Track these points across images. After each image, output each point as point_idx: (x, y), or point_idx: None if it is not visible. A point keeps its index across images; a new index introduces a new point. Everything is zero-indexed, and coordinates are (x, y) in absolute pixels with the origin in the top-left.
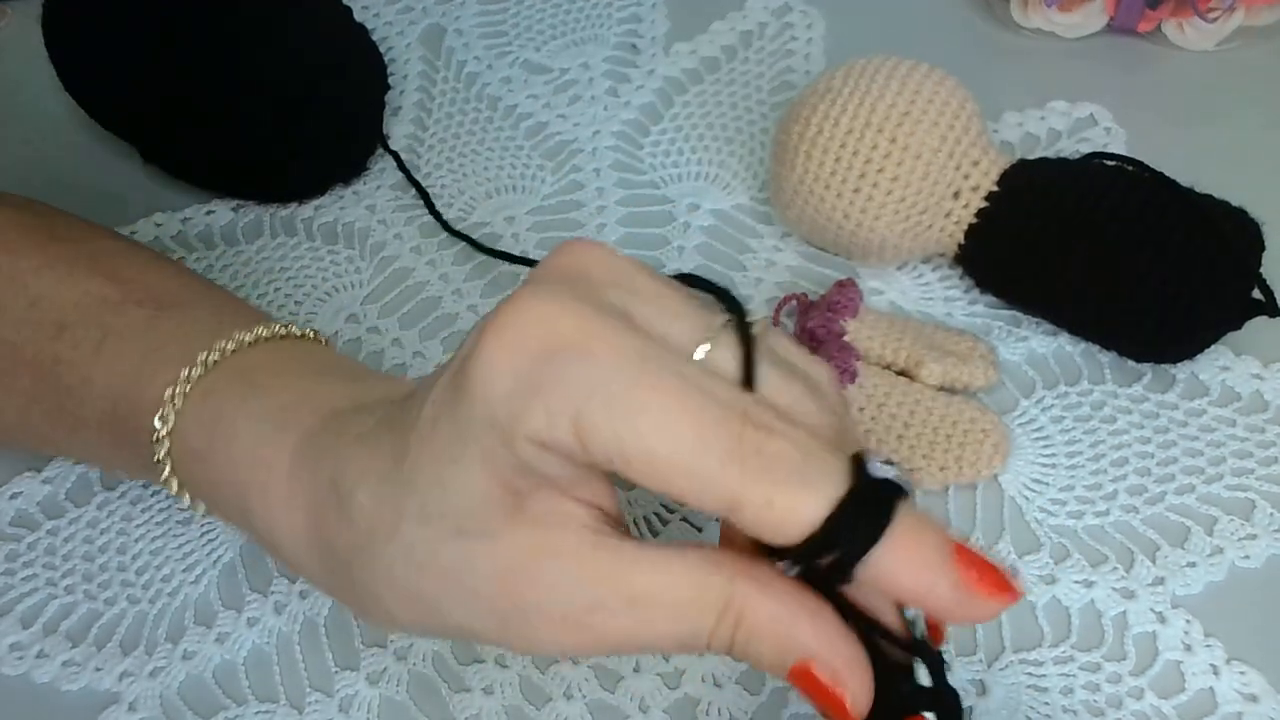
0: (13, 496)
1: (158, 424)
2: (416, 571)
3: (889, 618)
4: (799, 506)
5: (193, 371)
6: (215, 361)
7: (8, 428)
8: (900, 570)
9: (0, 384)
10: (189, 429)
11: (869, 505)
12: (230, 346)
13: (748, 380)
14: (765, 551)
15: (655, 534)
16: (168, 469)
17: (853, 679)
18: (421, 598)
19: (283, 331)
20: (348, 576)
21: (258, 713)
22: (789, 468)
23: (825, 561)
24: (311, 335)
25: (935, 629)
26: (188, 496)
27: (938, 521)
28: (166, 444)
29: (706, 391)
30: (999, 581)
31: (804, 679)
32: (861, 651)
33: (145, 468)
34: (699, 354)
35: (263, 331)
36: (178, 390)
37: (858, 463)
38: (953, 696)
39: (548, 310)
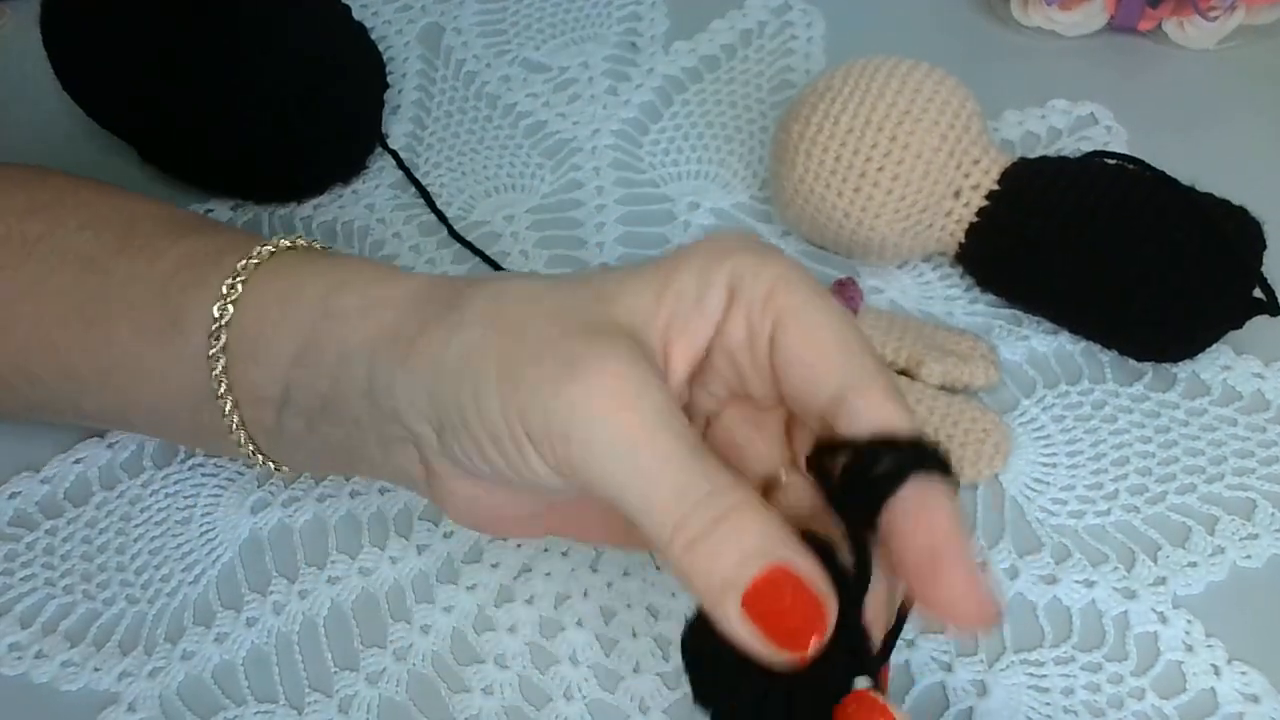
0: (11, 496)
1: (224, 289)
2: (512, 304)
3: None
4: (904, 410)
5: (260, 248)
6: (271, 252)
7: (28, 338)
8: (930, 503)
9: (37, 290)
10: (262, 278)
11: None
12: (287, 242)
13: None
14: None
15: None
16: (226, 317)
17: (827, 604)
18: (497, 330)
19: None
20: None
21: (257, 713)
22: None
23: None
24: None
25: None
26: (223, 364)
27: None
28: (238, 280)
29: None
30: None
31: (767, 592)
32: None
33: (191, 358)
34: None
35: (316, 243)
36: (251, 260)
37: None
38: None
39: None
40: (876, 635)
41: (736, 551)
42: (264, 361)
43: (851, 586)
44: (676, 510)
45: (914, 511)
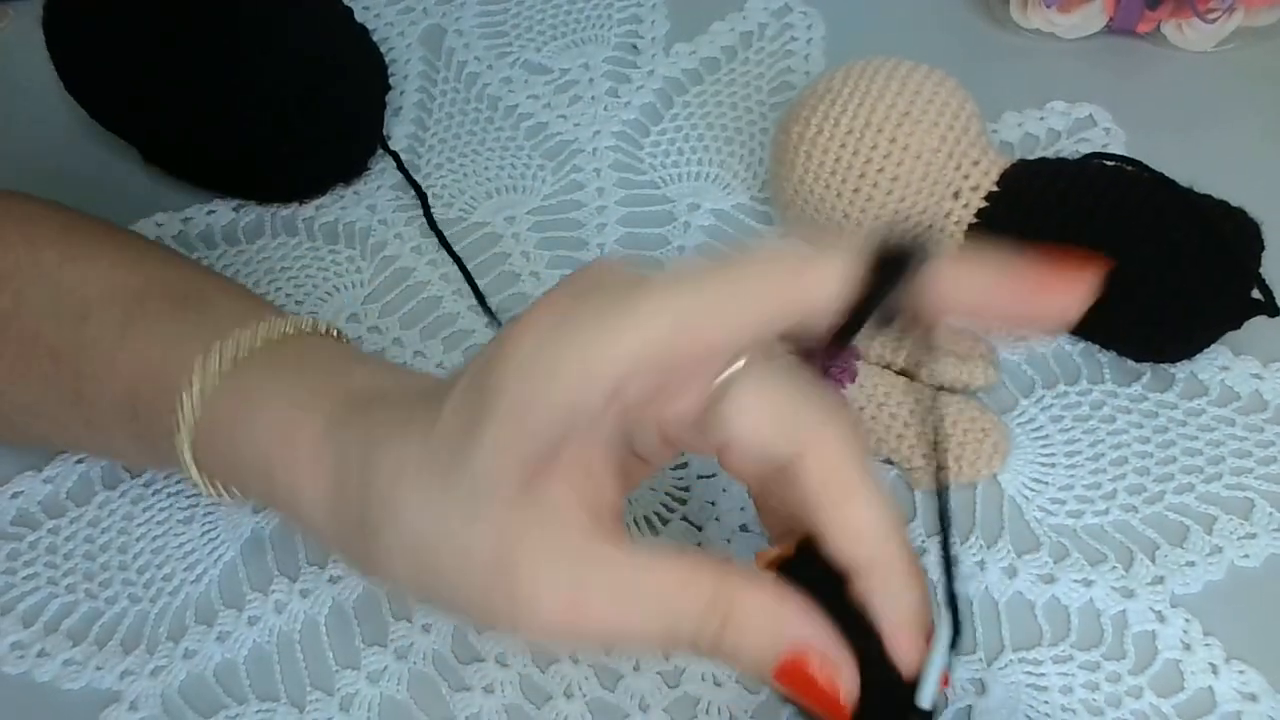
0: (14, 495)
1: (184, 405)
2: (422, 550)
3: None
4: (836, 261)
5: (222, 352)
6: (239, 355)
7: (22, 411)
8: (962, 269)
9: (18, 369)
10: (214, 409)
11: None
12: (260, 333)
13: None
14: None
15: (656, 533)
16: (187, 449)
17: (844, 668)
18: (424, 574)
19: (310, 327)
20: (362, 541)
21: (259, 711)
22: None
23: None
24: (336, 334)
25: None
26: (202, 477)
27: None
28: (191, 420)
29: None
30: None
31: (793, 671)
32: (846, 648)
33: (160, 452)
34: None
35: (289, 327)
36: (207, 369)
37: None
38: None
39: (556, 299)
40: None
41: (751, 649)
42: (229, 475)
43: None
44: (682, 637)
45: (961, 272)
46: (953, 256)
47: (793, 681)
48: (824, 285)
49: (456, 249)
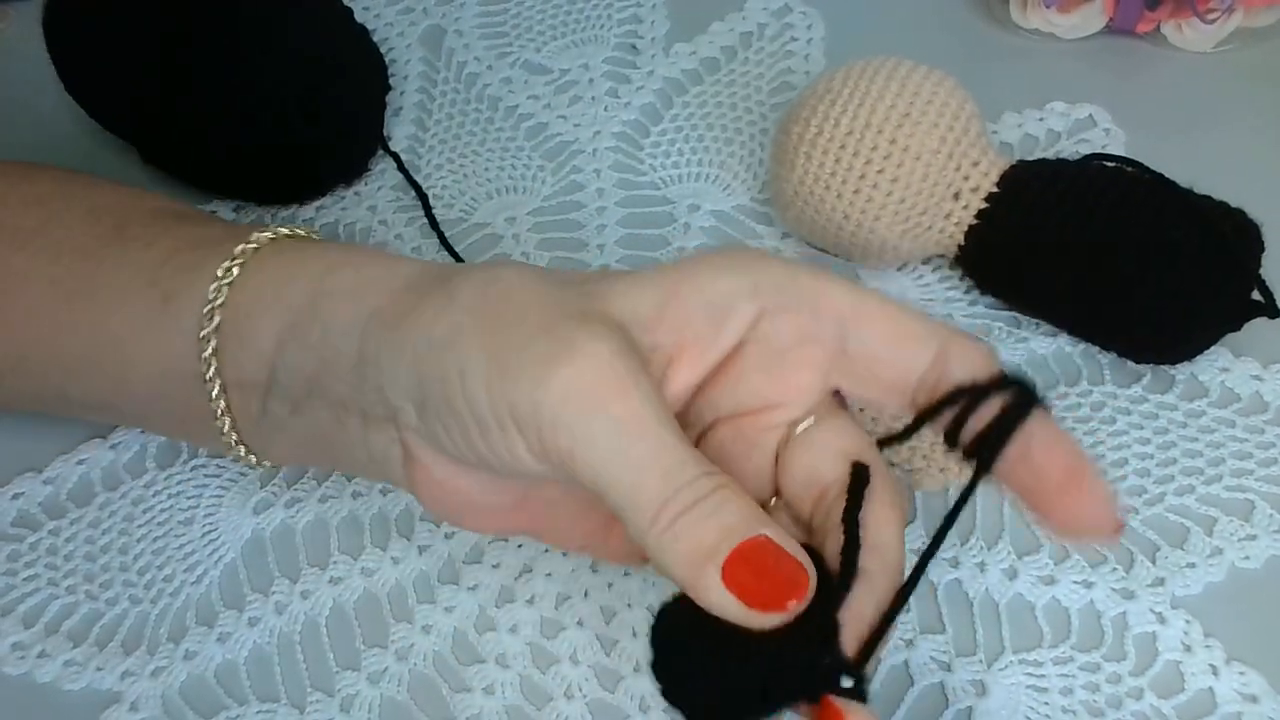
0: (14, 497)
1: (219, 272)
2: (485, 298)
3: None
4: (994, 356)
5: (252, 234)
6: (271, 238)
7: (14, 329)
8: (1059, 434)
9: (21, 276)
10: (269, 252)
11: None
12: (280, 231)
13: None
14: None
15: None
16: (221, 298)
17: (811, 572)
18: (496, 302)
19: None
20: (434, 293)
21: (259, 712)
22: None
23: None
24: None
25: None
26: (213, 346)
27: None
28: (230, 267)
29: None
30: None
31: (756, 549)
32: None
33: (170, 321)
34: None
35: (301, 230)
36: (249, 245)
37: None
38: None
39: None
40: (855, 639)
41: (717, 526)
42: (254, 342)
43: (835, 588)
44: (661, 494)
45: (1051, 437)
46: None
47: (741, 572)
48: (974, 368)
49: (457, 250)
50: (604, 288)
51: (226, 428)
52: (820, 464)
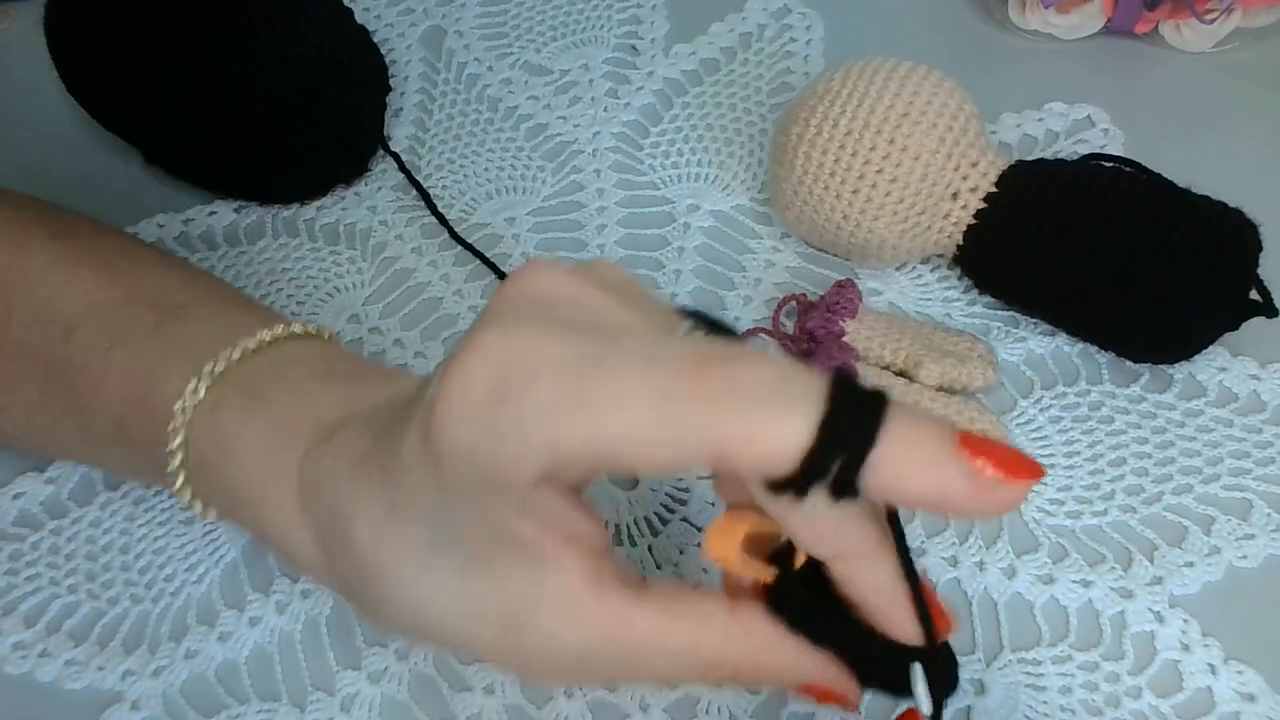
0: (16, 496)
1: (170, 437)
2: (420, 602)
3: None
4: (784, 427)
5: (199, 385)
6: (221, 372)
7: (16, 428)
8: (906, 472)
9: (11, 383)
10: (199, 442)
11: (857, 412)
12: (235, 355)
13: None
14: (770, 489)
15: (655, 534)
16: (181, 480)
17: (850, 681)
18: (425, 624)
19: (285, 332)
20: (357, 598)
21: (260, 712)
22: (764, 390)
23: (828, 478)
24: (315, 332)
25: (940, 616)
26: (199, 505)
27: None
28: (180, 455)
29: (657, 355)
30: (1014, 464)
31: (807, 691)
32: (845, 670)
33: (156, 476)
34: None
35: (266, 336)
36: (186, 404)
37: (838, 375)
38: (949, 671)
39: (496, 340)
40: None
41: (765, 686)
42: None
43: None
44: (714, 672)
45: (899, 469)
46: (906, 425)
47: (807, 693)
48: (781, 443)
49: (457, 249)
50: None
51: None
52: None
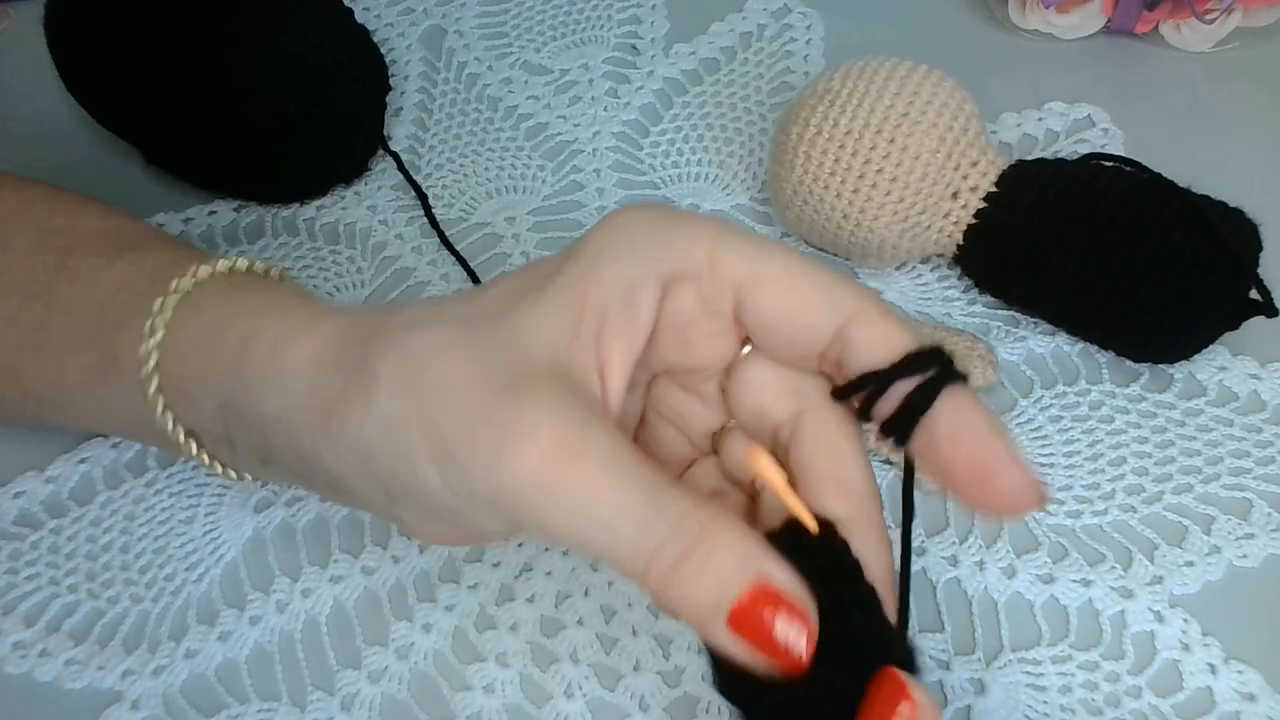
0: (16, 495)
1: (163, 299)
2: (433, 362)
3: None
4: (896, 330)
5: (209, 264)
6: (223, 266)
7: None
8: (963, 428)
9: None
10: (198, 303)
11: (949, 362)
12: (241, 264)
13: None
14: (842, 392)
15: None
16: (153, 346)
17: (808, 621)
18: (421, 395)
19: (251, 265)
20: (346, 391)
21: (260, 711)
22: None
23: (911, 384)
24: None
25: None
26: (156, 383)
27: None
28: (166, 316)
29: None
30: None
31: (758, 602)
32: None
33: (117, 365)
34: None
35: (240, 264)
36: (191, 273)
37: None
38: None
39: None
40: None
41: (712, 578)
42: (199, 410)
43: (864, 568)
44: (644, 550)
45: (957, 424)
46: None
47: (748, 624)
48: (880, 346)
49: (458, 249)
50: (524, 321)
51: (206, 461)
52: (767, 403)
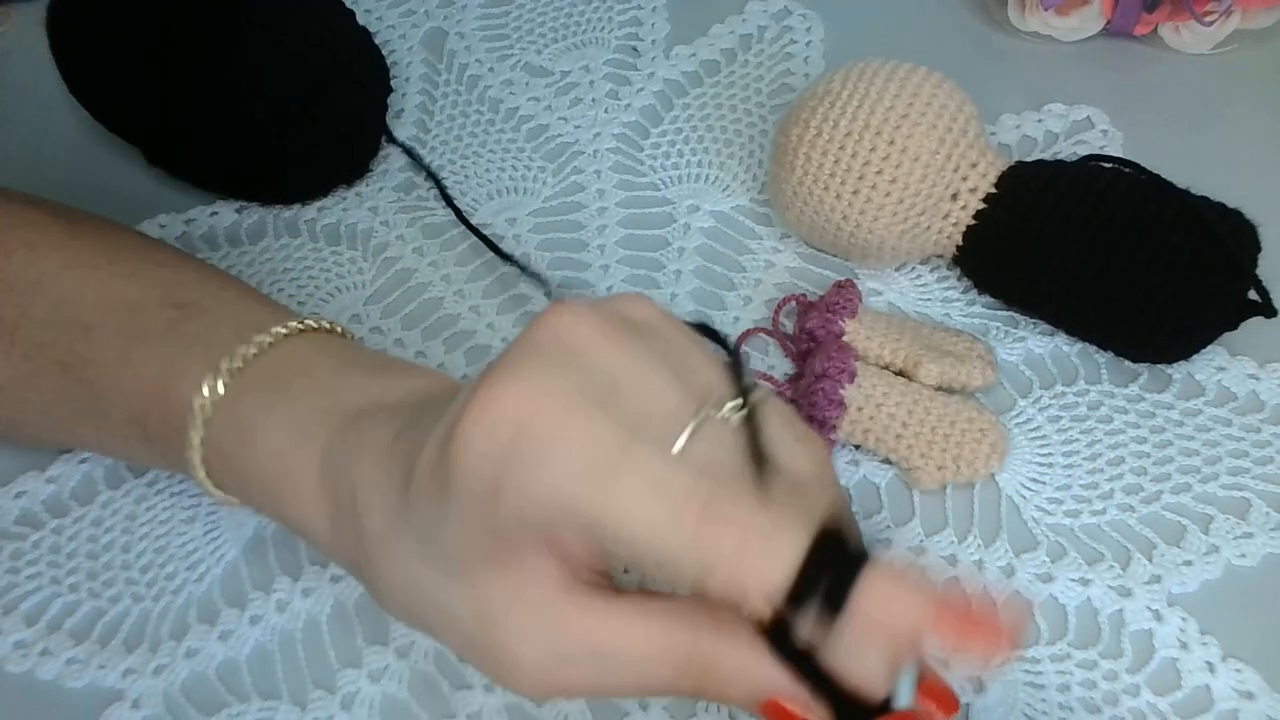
0: (17, 495)
1: (190, 433)
2: (411, 595)
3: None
4: (761, 587)
5: (218, 381)
6: (239, 368)
7: (35, 424)
8: (873, 633)
9: (29, 383)
10: (219, 435)
11: (833, 577)
12: (252, 350)
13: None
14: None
15: None
16: (201, 473)
17: (817, 709)
18: (416, 617)
19: (301, 326)
20: (361, 571)
21: (261, 710)
22: (752, 546)
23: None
24: (329, 326)
25: (944, 698)
26: (220, 493)
27: (918, 580)
28: (200, 452)
29: (669, 475)
30: (987, 633)
31: (773, 712)
32: (815, 694)
33: (177, 467)
34: (677, 445)
35: (281, 330)
36: (205, 400)
37: (823, 534)
38: None
39: (525, 392)
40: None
41: (732, 698)
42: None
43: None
44: (677, 666)
45: (887, 598)
46: (886, 572)
47: (773, 716)
48: (756, 599)
49: (458, 250)
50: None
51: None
52: None
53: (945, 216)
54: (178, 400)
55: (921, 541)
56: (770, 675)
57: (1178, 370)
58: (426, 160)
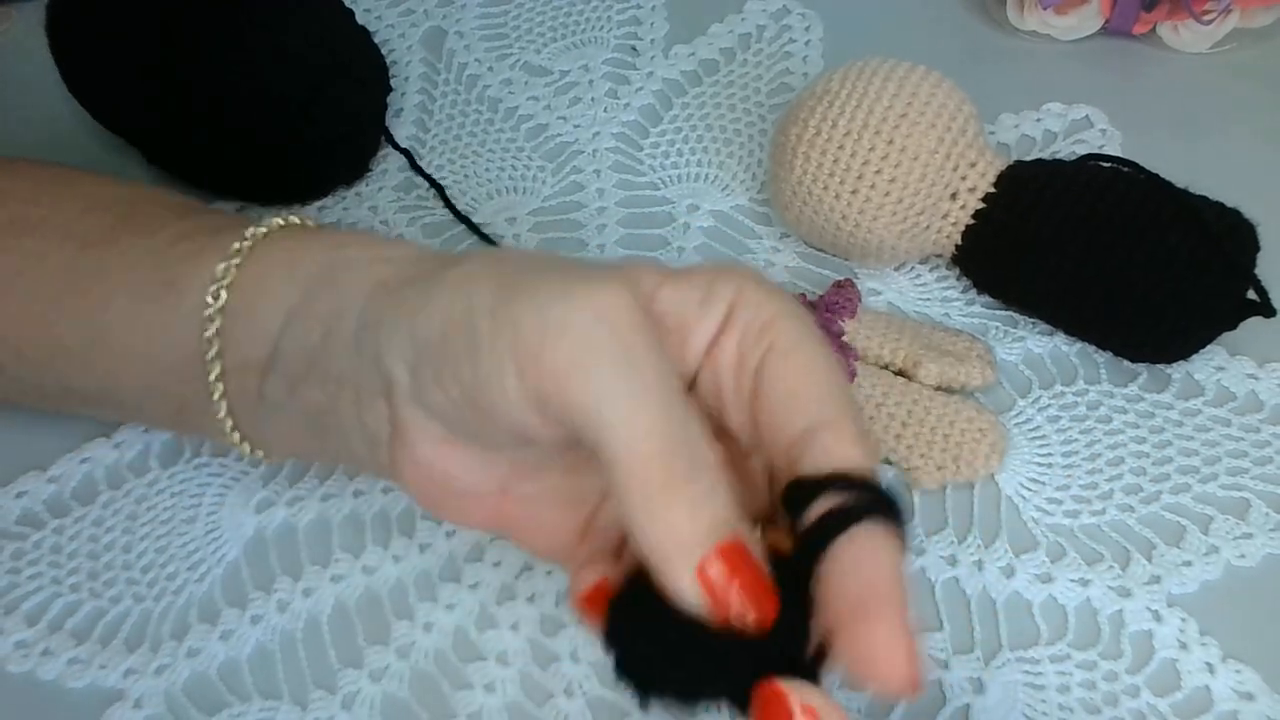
0: (18, 495)
1: (233, 247)
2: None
3: None
4: (870, 455)
5: (242, 244)
6: (280, 225)
7: (32, 297)
8: (872, 553)
9: (41, 260)
10: (242, 287)
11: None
12: (262, 230)
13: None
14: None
15: None
16: (224, 283)
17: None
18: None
19: (294, 221)
20: (436, 271)
21: (261, 710)
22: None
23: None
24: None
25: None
26: (215, 327)
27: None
28: (234, 271)
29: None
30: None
31: (732, 557)
32: None
33: (175, 299)
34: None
35: (284, 220)
36: (259, 229)
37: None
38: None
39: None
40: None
41: (709, 515)
42: (262, 317)
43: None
44: (661, 453)
45: (855, 558)
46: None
47: (713, 575)
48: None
49: (458, 249)
50: (614, 266)
51: (223, 412)
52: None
53: (944, 216)
54: (217, 231)
55: (921, 541)
56: (744, 519)
57: (1177, 370)
58: (426, 160)
